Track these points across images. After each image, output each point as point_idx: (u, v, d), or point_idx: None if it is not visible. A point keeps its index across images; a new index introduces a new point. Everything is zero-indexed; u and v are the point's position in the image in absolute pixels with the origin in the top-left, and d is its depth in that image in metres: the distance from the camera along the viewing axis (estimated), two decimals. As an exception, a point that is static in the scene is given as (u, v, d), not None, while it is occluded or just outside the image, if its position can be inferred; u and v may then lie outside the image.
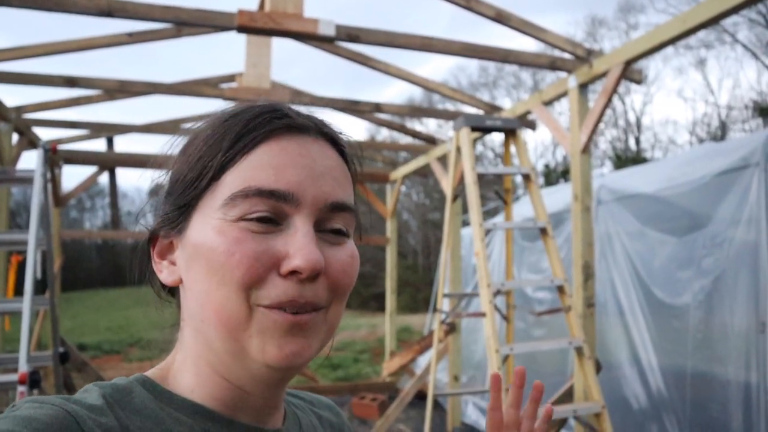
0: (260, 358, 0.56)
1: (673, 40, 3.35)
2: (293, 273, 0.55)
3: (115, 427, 0.52)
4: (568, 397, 3.88)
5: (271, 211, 0.56)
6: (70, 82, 4.77)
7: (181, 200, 0.60)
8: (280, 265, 0.56)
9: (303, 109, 0.65)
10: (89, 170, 6.98)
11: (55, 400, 0.51)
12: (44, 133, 6.22)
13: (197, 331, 0.60)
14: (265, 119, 0.60)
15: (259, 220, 0.56)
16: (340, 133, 0.66)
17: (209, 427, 0.58)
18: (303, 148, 0.60)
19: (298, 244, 0.56)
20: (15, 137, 5.44)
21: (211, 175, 0.58)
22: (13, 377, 2.92)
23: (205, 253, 0.56)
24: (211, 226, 0.57)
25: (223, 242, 0.55)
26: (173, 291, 0.67)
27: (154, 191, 0.66)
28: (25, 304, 3.05)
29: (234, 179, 0.57)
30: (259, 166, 0.57)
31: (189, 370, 0.61)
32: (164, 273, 0.63)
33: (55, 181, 6.50)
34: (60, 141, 6.56)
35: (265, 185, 0.56)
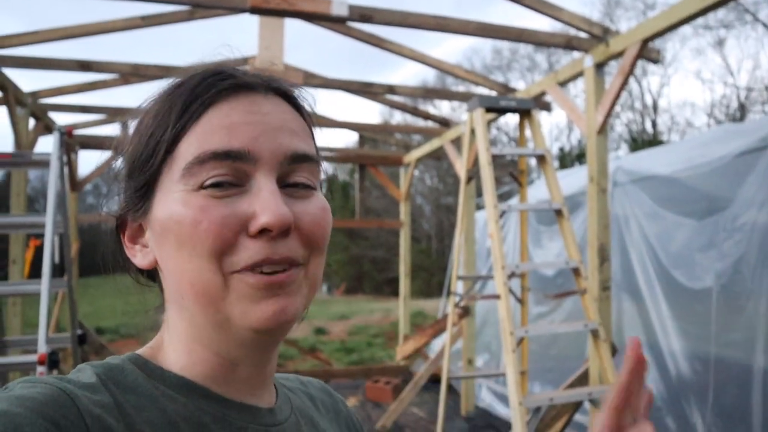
0: (245, 324, 0.55)
1: (691, 17, 3.29)
2: (263, 232, 0.54)
3: (110, 404, 0.52)
4: (583, 380, 3.87)
5: (231, 173, 0.55)
6: (84, 66, 4.78)
7: (139, 181, 0.59)
8: (248, 226, 0.55)
9: (252, 68, 0.64)
10: (105, 155, 7.02)
11: (48, 379, 0.51)
12: (60, 118, 6.25)
13: (180, 308, 0.59)
14: (210, 83, 0.58)
15: (220, 181, 0.55)
16: (292, 86, 0.64)
17: (203, 404, 0.57)
18: (253, 105, 0.58)
19: (263, 203, 0.54)
20: (31, 122, 5.48)
21: (164, 150, 0.57)
22: (33, 358, 2.96)
23: (173, 228, 0.55)
24: (173, 199, 0.56)
25: (189, 213, 0.54)
26: (153, 276, 0.66)
27: (114, 176, 0.65)
28: (44, 286, 3.08)
29: (188, 148, 0.56)
30: (210, 130, 0.56)
31: (177, 349, 0.60)
32: (138, 257, 0.62)
33: (71, 165, 6.55)
34: (76, 126, 6.60)
35: (219, 147, 0.55)
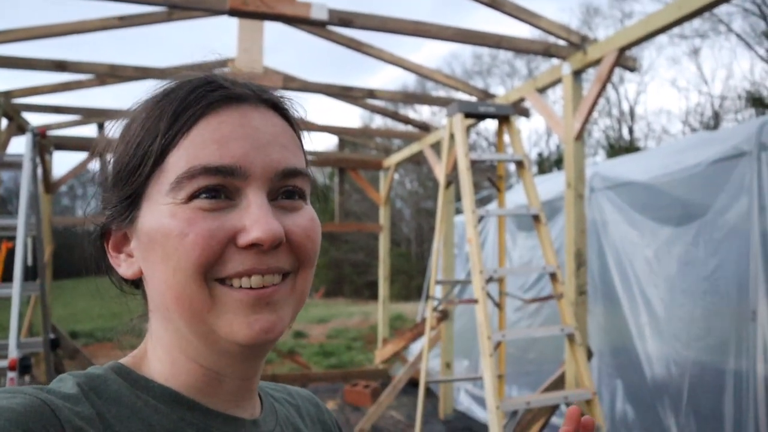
0: (230, 338, 0.55)
1: (667, 27, 3.34)
2: (253, 246, 0.54)
3: (91, 415, 0.51)
4: (560, 383, 3.90)
5: (220, 187, 0.55)
6: (60, 66, 4.71)
7: (126, 191, 0.58)
8: (236, 238, 0.54)
9: (241, 77, 0.63)
10: (80, 156, 6.93)
11: (29, 390, 0.50)
12: (34, 119, 6.15)
13: (165, 319, 0.59)
14: (199, 94, 0.57)
15: (209, 195, 0.54)
16: (282, 98, 0.64)
17: (187, 416, 0.57)
18: (244, 117, 0.57)
19: (253, 217, 0.54)
20: (4, 123, 5.39)
21: (153, 161, 0.56)
22: (3, 363, 2.91)
23: (160, 240, 0.55)
24: (161, 211, 0.55)
25: (176, 225, 0.54)
26: (137, 283, 0.65)
27: (98, 181, 0.64)
28: (15, 289, 3.03)
29: (177, 161, 0.55)
30: (201, 143, 0.55)
31: (162, 359, 0.60)
32: (122, 267, 0.61)
33: (45, 166, 6.44)
34: (50, 127, 6.50)
35: (210, 162, 0.54)
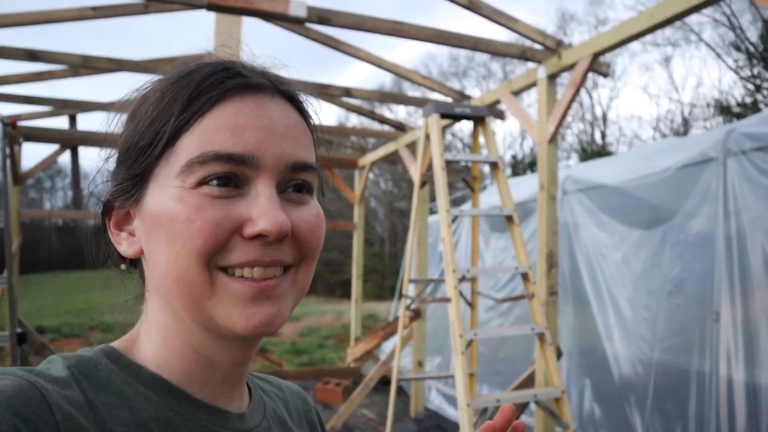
0: (229, 327, 0.55)
1: (640, 34, 3.41)
2: (258, 236, 0.54)
3: (80, 401, 0.50)
4: (530, 382, 3.95)
5: (230, 175, 0.55)
6: (32, 55, 4.63)
7: (135, 169, 0.57)
8: (242, 229, 0.54)
9: (258, 65, 0.63)
10: (50, 148, 6.80)
11: (18, 371, 0.49)
12: (3, 109, 6.03)
13: (163, 302, 0.58)
14: (217, 79, 0.57)
15: (219, 182, 0.54)
16: (298, 90, 0.64)
17: (175, 406, 0.56)
18: (260, 107, 0.57)
19: (261, 208, 0.54)
20: (-28, 112, 5.27)
21: (164, 142, 0.55)
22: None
23: (165, 223, 0.54)
24: (169, 194, 0.55)
25: (183, 210, 0.53)
26: (136, 262, 0.64)
27: (106, 161, 0.63)
28: (-18, 282, 2.97)
29: (189, 144, 0.55)
30: (215, 130, 0.55)
31: (155, 342, 0.59)
32: (123, 245, 0.61)
33: (14, 158, 6.31)
34: (20, 117, 6.37)
35: (223, 149, 0.54)
